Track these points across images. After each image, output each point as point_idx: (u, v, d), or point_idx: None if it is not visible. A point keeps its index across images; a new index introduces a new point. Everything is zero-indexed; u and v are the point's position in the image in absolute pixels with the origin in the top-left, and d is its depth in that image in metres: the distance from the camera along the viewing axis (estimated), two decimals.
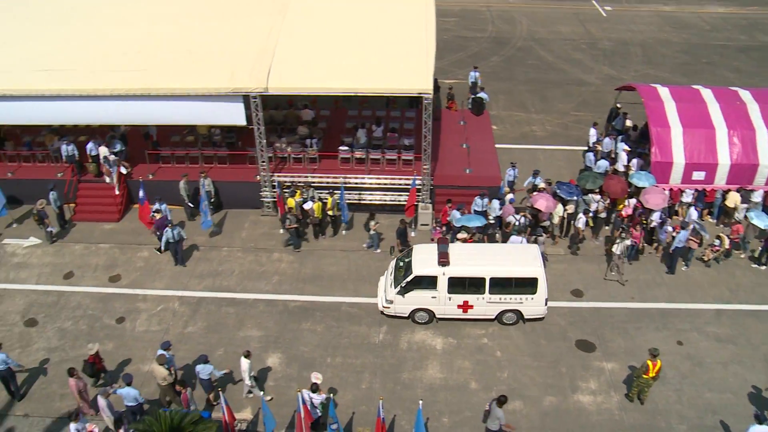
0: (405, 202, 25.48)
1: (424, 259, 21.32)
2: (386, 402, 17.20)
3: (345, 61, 24.58)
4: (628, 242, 22.91)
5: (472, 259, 21.39)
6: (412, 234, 25.34)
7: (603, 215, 24.94)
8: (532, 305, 21.17)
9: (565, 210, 24.81)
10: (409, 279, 20.99)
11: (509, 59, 41.30)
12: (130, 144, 28.41)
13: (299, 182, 25.91)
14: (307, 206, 24.69)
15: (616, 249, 22.80)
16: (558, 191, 24.93)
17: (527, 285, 20.85)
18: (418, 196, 25.33)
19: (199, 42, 26.14)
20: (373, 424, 17.52)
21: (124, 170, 26.86)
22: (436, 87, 28.61)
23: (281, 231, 25.53)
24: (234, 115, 24.73)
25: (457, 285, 20.90)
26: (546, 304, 21.19)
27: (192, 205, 26.21)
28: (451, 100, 32.05)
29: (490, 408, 16.83)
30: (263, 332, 21.42)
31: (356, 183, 26.01)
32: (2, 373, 19.02)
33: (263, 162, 25.68)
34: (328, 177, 26.12)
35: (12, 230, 26.83)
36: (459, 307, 21.23)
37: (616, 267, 23.08)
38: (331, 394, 18.63)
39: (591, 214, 24.57)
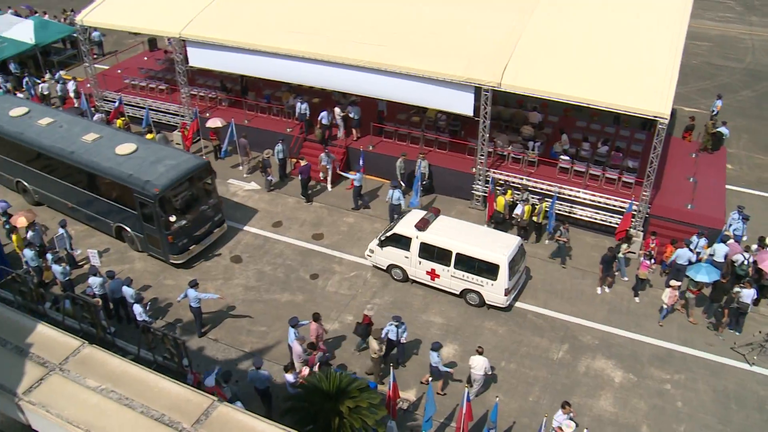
0: (616, 225, 24.43)
1: (409, 221, 22.83)
2: (550, 421, 16.75)
3: (583, 69, 23.87)
4: None
5: (448, 232, 22.29)
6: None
7: None
8: (491, 291, 21.56)
9: None
10: (388, 234, 22.94)
11: (763, 96, 37.84)
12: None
13: (513, 182, 25.73)
14: (518, 210, 24.46)
15: None
16: None
17: (489, 270, 21.28)
18: (632, 221, 24.17)
19: (441, 27, 26.62)
20: None
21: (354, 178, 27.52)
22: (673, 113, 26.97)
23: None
24: (463, 104, 25.02)
25: (427, 252, 22.16)
26: (506, 295, 21.38)
27: (403, 184, 26.88)
28: (689, 131, 30.05)
29: None
30: (445, 321, 21.63)
31: (570, 195, 25.31)
32: (194, 310, 20.85)
33: (482, 155, 25.76)
34: (543, 183, 25.64)
35: (237, 172, 29.35)
36: (428, 273, 22.48)
37: None
38: (497, 398, 18.49)
39: None
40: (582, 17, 26.10)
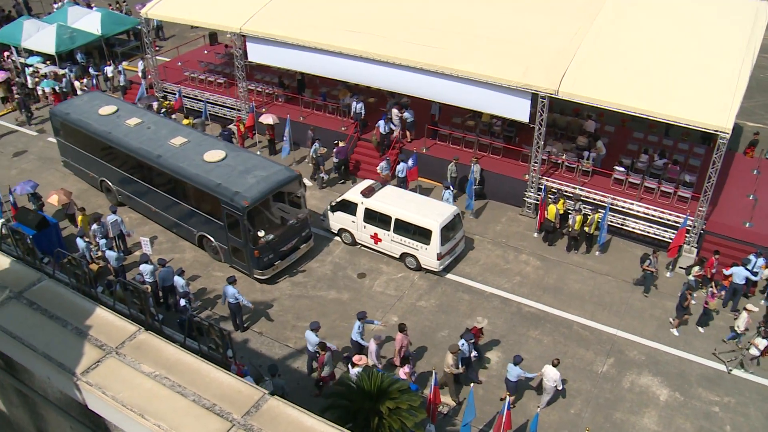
0: (669, 240, 23.94)
1: (357, 189, 24.73)
2: None
3: (643, 79, 23.44)
4: None
5: (390, 200, 23.99)
6: (668, 275, 23.78)
7: None
8: (425, 255, 23.09)
9: None
10: (338, 200, 24.83)
11: None
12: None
13: (566, 191, 25.44)
14: (569, 220, 24.19)
15: None
16: None
17: (423, 235, 22.77)
18: (686, 237, 23.66)
19: (499, 31, 26.50)
20: None
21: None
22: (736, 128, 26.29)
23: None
24: (519, 110, 24.83)
25: (371, 217, 23.89)
26: (439, 259, 22.91)
27: (453, 188, 26.73)
28: (751, 146, 29.28)
29: None
30: (491, 327, 21.47)
31: (623, 207, 24.90)
32: (232, 306, 21.04)
33: (535, 163, 25.53)
34: (596, 193, 25.29)
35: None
36: (371, 237, 24.19)
37: None
38: (538, 408, 18.32)
39: None
40: (646, 25, 25.63)
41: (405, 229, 23.23)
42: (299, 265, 24.21)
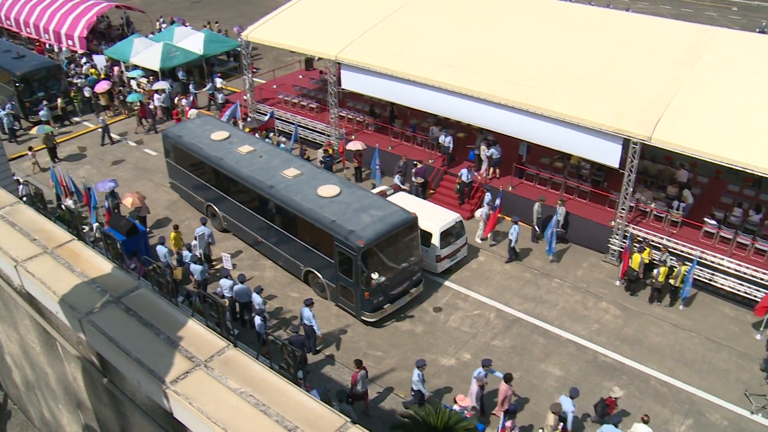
0: (759, 299, 22.92)
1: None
2: None
3: (741, 130, 22.66)
4: None
5: (399, 204, 23.75)
6: (758, 337, 22.73)
7: None
8: (426, 257, 24.30)
9: None
10: None
11: None
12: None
13: (653, 241, 24.77)
14: (654, 271, 23.50)
15: None
16: None
17: (425, 237, 23.89)
18: None
19: (595, 73, 26.19)
20: None
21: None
22: None
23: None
24: (609, 154, 24.42)
25: None
26: (438, 261, 24.71)
27: (538, 229, 26.51)
28: None
29: None
30: (564, 373, 21.02)
31: (712, 262, 24.03)
32: (306, 328, 20.95)
33: (623, 209, 24.98)
34: (684, 245, 24.51)
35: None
36: None
37: None
38: None
39: None
40: (747, 76, 24.87)
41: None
42: (407, 309, 23.63)
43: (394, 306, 22.86)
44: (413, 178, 28.94)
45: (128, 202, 26.73)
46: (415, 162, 29.03)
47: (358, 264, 21.10)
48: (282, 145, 31.37)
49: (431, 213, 24.72)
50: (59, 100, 38.28)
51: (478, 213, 27.19)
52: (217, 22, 53.09)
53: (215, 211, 27.39)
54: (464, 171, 28.38)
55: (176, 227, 25.75)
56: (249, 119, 34.85)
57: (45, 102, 37.50)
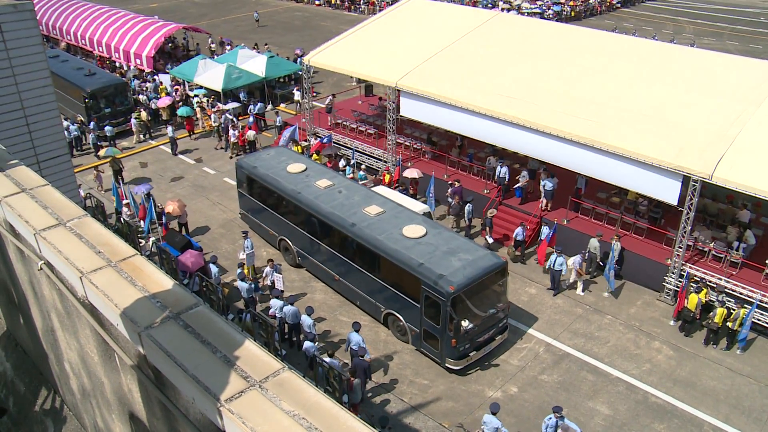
0: None
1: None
2: None
3: None
4: None
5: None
6: None
7: None
8: None
9: None
10: None
11: None
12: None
13: (710, 281, 24.18)
14: (712, 312, 22.92)
15: None
16: None
17: None
18: None
19: (654, 108, 25.88)
20: None
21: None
22: None
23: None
24: (668, 191, 24.01)
25: None
26: None
27: (602, 264, 26.09)
28: None
29: None
30: (612, 413, 20.58)
31: None
32: (353, 352, 20.60)
33: (680, 248, 24.48)
34: (744, 287, 23.85)
35: None
36: None
37: None
38: None
39: None
40: None
41: None
42: (492, 358, 22.70)
43: (479, 353, 21.91)
44: (448, 198, 29.08)
45: (170, 209, 28.01)
46: (451, 183, 29.26)
47: (447, 310, 20.16)
48: (361, 173, 31.76)
49: (408, 205, 25.50)
50: (143, 113, 40.21)
51: (571, 261, 25.79)
52: (266, 44, 54.39)
53: (288, 245, 26.85)
54: (519, 230, 27.44)
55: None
56: (328, 148, 34.64)
57: (110, 119, 39.26)
